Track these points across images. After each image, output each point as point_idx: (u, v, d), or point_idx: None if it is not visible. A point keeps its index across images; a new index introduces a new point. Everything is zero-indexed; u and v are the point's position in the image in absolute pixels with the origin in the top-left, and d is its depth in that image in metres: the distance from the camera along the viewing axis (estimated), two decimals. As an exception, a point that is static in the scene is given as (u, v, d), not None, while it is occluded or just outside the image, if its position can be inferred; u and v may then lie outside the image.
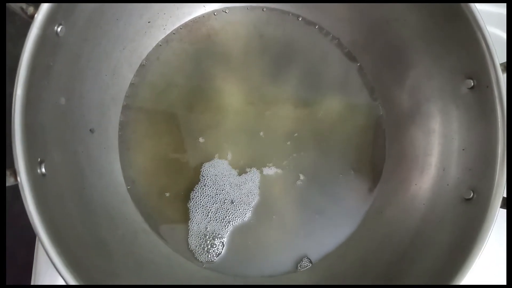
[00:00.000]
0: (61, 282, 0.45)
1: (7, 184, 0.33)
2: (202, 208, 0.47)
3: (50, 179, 0.35)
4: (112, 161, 0.47)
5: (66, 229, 0.35)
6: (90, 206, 0.41)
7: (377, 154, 0.51)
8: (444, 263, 0.39)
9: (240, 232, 0.47)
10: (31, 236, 0.48)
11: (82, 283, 0.33)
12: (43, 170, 0.35)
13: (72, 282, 0.32)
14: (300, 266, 0.48)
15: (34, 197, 0.32)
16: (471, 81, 0.42)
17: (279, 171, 0.49)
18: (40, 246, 0.46)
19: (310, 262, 0.48)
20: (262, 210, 0.48)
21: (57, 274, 0.44)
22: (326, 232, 0.48)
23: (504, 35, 0.55)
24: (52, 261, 0.32)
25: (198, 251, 0.46)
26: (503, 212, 0.39)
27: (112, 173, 0.46)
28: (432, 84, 0.46)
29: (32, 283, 0.47)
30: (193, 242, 0.47)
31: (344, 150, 0.50)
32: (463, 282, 0.37)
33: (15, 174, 0.32)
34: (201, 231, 0.47)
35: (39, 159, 0.34)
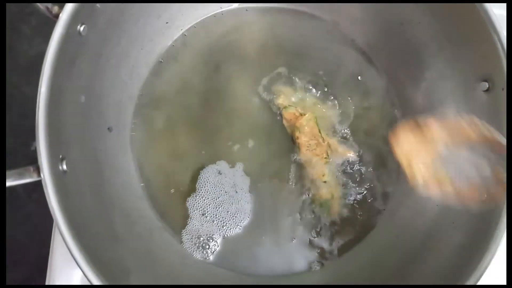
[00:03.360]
0: (76, 277, 0.46)
1: (31, 179, 0.33)
2: (212, 207, 0.48)
3: (70, 175, 0.36)
4: (129, 159, 0.47)
5: (85, 225, 0.36)
6: (107, 203, 0.42)
7: (392, 155, 0.51)
8: (457, 264, 0.40)
9: (252, 231, 0.48)
10: (43, 234, 0.49)
11: (100, 277, 0.33)
12: (65, 167, 0.35)
13: (90, 275, 0.33)
14: (312, 266, 0.48)
15: (56, 192, 0.33)
16: (486, 84, 0.42)
17: (291, 173, 0.49)
18: (55, 242, 0.47)
19: (322, 263, 0.48)
20: (271, 212, 0.49)
21: (72, 269, 0.46)
22: (338, 233, 0.49)
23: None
24: (72, 255, 0.33)
25: (201, 248, 0.47)
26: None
27: (128, 171, 0.47)
28: (447, 86, 0.47)
29: (47, 278, 0.48)
30: (199, 239, 0.47)
31: (359, 149, 0.50)
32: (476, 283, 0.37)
33: (38, 170, 0.33)
34: (210, 229, 0.47)
35: (60, 156, 0.35)
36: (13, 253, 0.62)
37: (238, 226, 0.48)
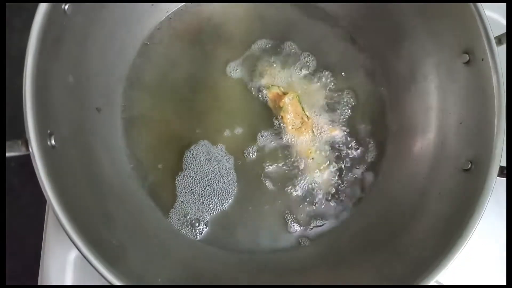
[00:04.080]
0: (69, 260, 0.47)
1: (19, 153, 0.34)
2: (199, 186, 0.48)
3: (59, 151, 0.37)
4: (118, 139, 0.48)
5: (75, 200, 0.36)
6: (97, 181, 0.42)
7: (379, 129, 0.52)
8: (444, 233, 0.40)
9: (239, 209, 0.49)
10: (39, 225, 0.49)
11: (91, 249, 0.34)
12: (53, 142, 0.36)
13: (82, 247, 0.33)
14: (301, 242, 0.49)
15: (45, 166, 0.33)
16: (467, 56, 0.43)
17: (277, 151, 0.50)
18: (48, 226, 0.47)
19: (311, 239, 0.49)
20: (257, 190, 0.49)
21: (66, 252, 0.46)
22: (327, 208, 0.50)
23: (503, 20, 0.56)
24: (62, 226, 0.33)
25: (189, 226, 0.48)
26: (500, 180, 0.40)
27: (117, 151, 0.47)
28: (429, 60, 0.48)
29: (40, 260, 0.48)
30: (186, 217, 0.48)
31: (346, 126, 0.51)
32: (465, 247, 0.38)
33: (26, 144, 0.33)
34: (198, 208, 0.48)
35: (49, 131, 0.36)
36: (10, 244, 0.62)
37: (225, 204, 0.48)
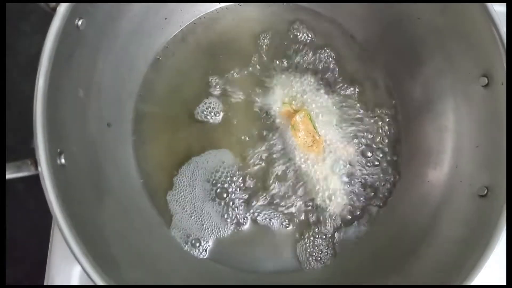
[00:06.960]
0: (74, 276, 0.46)
1: (28, 173, 0.33)
2: (213, 201, 0.48)
3: (69, 169, 0.36)
4: (128, 155, 0.47)
5: (83, 219, 0.36)
6: (107, 198, 0.42)
7: (393, 150, 0.51)
8: (457, 259, 0.39)
9: (250, 228, 0.48)
10: (44, 231, 0.49)
11: (98, 270, 0.33)
12: (63, 160, 0.35)
13: (89, 269, 0.33)
14: (312, 263, 0.48)
15: (54, 186, 0.33)
16: (485, 79, 0.42)
17: (289, 170, 0.49)
18: (54, 239, 0.47)
19: (323, 260, 0.48)
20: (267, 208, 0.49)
21: (71, 266, 0.46)
22: (338, 229, 0.49)
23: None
24: (71, 249, 0.33)
25: (190, 245, 0.47)
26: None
27: (128, 167, 0.47)
28: (445, 82, 0.47)
29: (46, 275, 0.48)
30: (191, 238, 0.47)
31: (360, 145, 0.51)
32: (478, 276, 0.37)
33: (35, 163, 0.33)
34: (212, 224, 0.47)
35: (58, 150, 0.35)
36: (13, 250, 0.62)
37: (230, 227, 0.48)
